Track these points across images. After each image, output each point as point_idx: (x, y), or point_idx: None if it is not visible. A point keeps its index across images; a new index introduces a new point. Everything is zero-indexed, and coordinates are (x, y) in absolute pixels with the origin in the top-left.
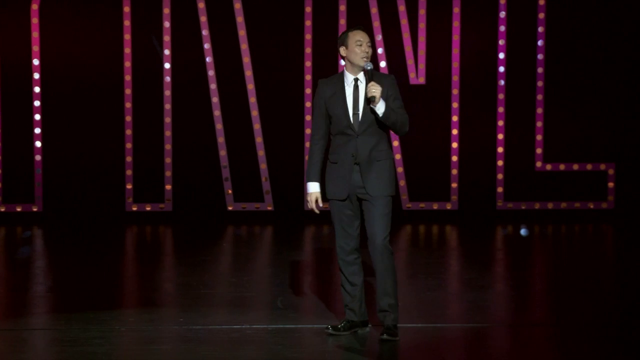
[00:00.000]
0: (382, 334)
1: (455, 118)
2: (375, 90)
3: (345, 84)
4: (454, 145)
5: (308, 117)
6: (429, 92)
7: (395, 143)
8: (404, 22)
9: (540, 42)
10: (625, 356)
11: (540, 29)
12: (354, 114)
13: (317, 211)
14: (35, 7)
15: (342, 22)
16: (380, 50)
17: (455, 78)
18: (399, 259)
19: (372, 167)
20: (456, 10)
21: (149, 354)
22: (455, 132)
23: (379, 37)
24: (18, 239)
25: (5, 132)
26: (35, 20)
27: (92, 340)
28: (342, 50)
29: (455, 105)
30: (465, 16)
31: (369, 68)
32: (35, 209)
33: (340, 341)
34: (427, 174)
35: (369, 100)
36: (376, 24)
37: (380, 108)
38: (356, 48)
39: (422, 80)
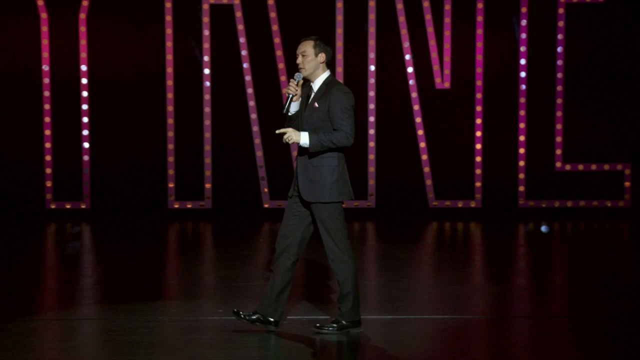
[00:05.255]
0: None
1: (479, 121)
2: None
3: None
4: (478, 146)
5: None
6: (454, 96)
7: (422, 144)
8: (430, 29)
9: (559, 49)
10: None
11: (560, 36)
12: (300, 117)
13: (293, 83)
14: (83, 16)
15: (372, 29)
16: (407, 57)
17: (479, 83)
18: (426, 254)
19: (307, 172)
20: (480, 18)
21: (190, 343)
22: (479, 134)
23: (406, 44)
24: (67, 234)
25: (55, 134)
26: (83, 29)
27: (137, 330)
28: None
29: (479, 108)
30: (488, 24)
31: (297, 79)
32: (83, 206)
33: (362, 331)
34: (452, 173)
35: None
36: (404, 31)
37: (304, 142)
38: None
39: (447, 85)
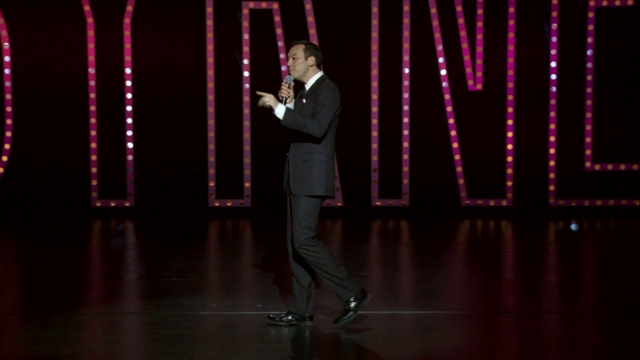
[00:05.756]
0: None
1: (510, 122)
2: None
3: None
4: (509, 146)
5: (375, 121)
6: (486, 98)
7: (455, 145)
8: (462, 33)
9: (589, 52)
10: None
11: (590, 40)
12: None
13: (285, 86)
14: (127, 21)
15: (406, 33)
16: (440, 60)
17: (511, 85)
18: (458, 252)
19: (297, 167)
20: (511, 22)
21: (230, 336)
22: (510, 134)
23: (439, 47)
24: (112, 231)
25: (100, 135)
26: (127, 33)
27: (178, 324)
28: None
29: (510, 110)
30: (519, 28)
31: (288, 82)
32: (127, 204)
33: (396, 327)
34: (485, 173)
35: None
36: (437, 35)
37: (278, 112)
38: None
39: (479, 87)
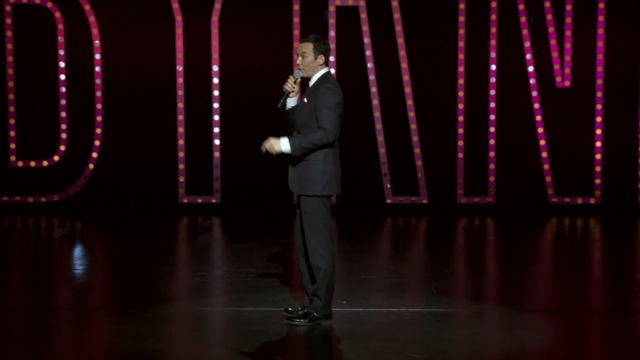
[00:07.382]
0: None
1: (599, 119)
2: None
3: None
4: (598, 144)
5: (461, 118)
6: (574, 94)
7: (542, 142)
8: (551, 29)
9: None
10: None
11: None
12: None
13: (291, 80)
14: (215, 18)
15: (493, 30)
16: (528, 56)
17: (600, 82)
18: (545, 250)
19: (297, 165)
20: (601, 18)
21: (315, 333)
22: (599, 131)
23: (527, 44)
24: (199, 227)
25: (187, 132)
26: (215, 31)
27: (264, 320)
28: None
29: (599, 107)
30: (609, 23)
31: (296, 77)
32: (214, 201)
33: (482, 325)
34: (572, 170)
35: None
36: (525, 31)
37: (285, 149)
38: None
39: (567, 83)
